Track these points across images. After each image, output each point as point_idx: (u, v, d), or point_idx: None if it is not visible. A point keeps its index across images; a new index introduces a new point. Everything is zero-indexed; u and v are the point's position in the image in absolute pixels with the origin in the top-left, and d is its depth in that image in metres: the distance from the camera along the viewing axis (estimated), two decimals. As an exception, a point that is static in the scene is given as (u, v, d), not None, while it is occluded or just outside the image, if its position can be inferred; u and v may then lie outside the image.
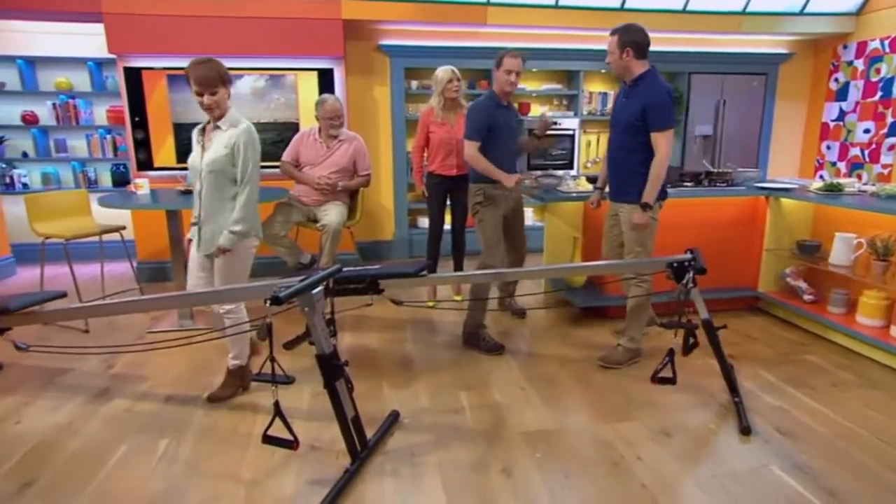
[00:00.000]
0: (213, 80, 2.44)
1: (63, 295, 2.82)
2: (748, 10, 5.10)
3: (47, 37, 4.96)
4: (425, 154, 3.83)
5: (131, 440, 2.29)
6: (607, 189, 3.13)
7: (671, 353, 2.32)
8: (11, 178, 5.17)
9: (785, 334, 3.44)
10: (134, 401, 2.63)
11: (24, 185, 5.22)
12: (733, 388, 2.55)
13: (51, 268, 4.04)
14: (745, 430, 2.31)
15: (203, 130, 2.58)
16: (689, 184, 3.82)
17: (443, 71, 3.60)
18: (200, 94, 2.44)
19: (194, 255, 2.65)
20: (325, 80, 4.65)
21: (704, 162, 5.36)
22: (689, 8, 5.03)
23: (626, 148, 2.87)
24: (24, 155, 5.22)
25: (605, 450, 2.20)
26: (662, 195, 2.89)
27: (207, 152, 2.52)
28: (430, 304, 3.93)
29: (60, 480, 2.03)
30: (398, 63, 4.98)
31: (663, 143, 2.73)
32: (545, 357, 3.11)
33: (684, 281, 2.41)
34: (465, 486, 1.99)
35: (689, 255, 2.45)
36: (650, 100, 2.73)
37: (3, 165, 5.15)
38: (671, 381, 2.33)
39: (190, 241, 2.65)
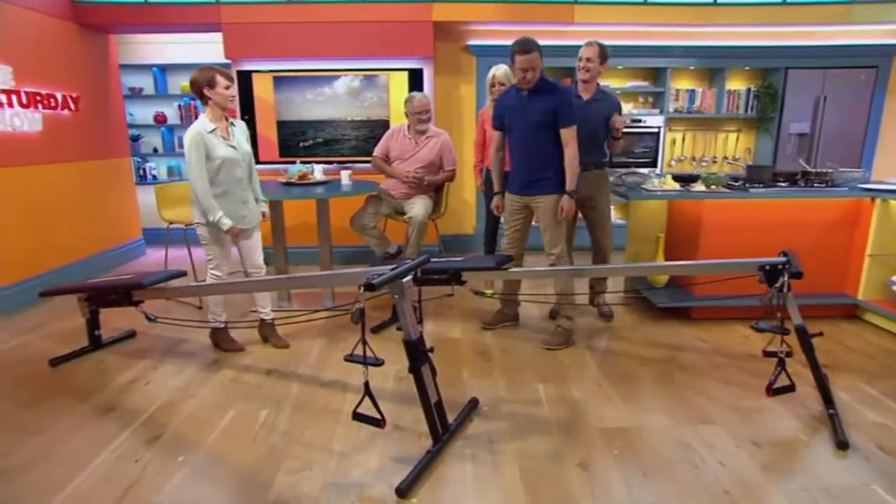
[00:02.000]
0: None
1: (183, 274, 3.17)
2: (858, -2, 4.74)
3: (176, 46, 5.58)
4: None
5: (237, 407, 2.53)
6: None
7: (782, 362, 2.25)
8: (144, 170, 5.91)
9: (889, 346, 3.20)
10: (239, 372, 2.91)
11: (154, 176, 5.95)
12: (828, 399, 2.43)
13: (172, 250, 4.52)
14: (842, 445, 2.17)
15: (214, 131, 2.87)
16: (783, 184, 3.62)
17: (490, 73, 3.67)
18: (228, 88, 2.89)
19: (247, 235, 3.06)
20: (415, 80, 4.84)
21: (801, 161, 5.04)
22: (789, 0, 4.74)
23: (537, 145, 3.06)
24: (155, 150, 5.94)
25: (686, 452, 2.17)
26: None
27: (238, 146, 2.96)
28: (489, 293, 4.04)
29: (180, 436, 2.30)
30: (484, 62, 5.04)
31: (573, 138, 2.99)
32: (624, 355, 3.09)
33: (778, 285, 2.33)
34: (542, 477, 2.02)
35: (782, 258, 2.36)
36: (561, 99, 2.97)
37: (139, 160, 5.87)
38: (790, 388, 2.25)
39: (234, 227, 2.95)
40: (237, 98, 4.82)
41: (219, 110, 2.90)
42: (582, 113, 3.23)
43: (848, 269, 3.55)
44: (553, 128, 2.99)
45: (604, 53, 3.25)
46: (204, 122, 2.86)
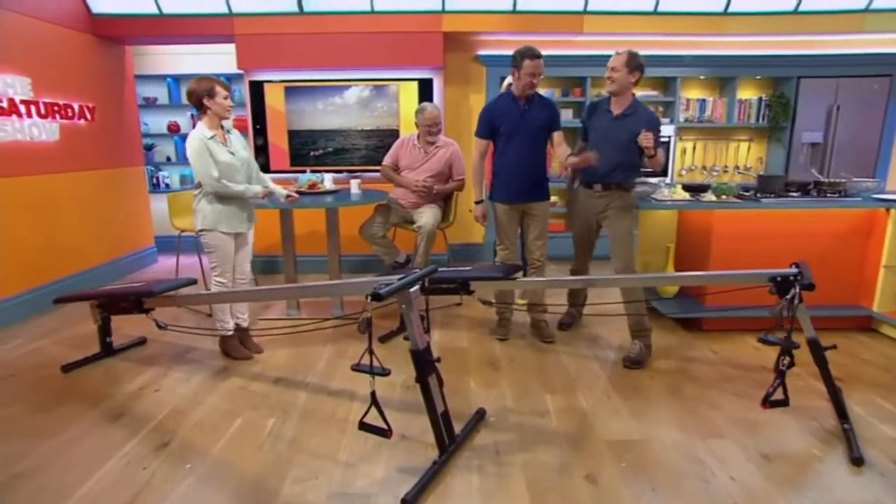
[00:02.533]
0: None
1: (194, 282, 3.20)
2: (872, 6, 4.69)
3: (189, 57, 5.66)
4: None
5: (244, 415, 2.54)
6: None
7: (781, 374, 2.22)
8: (158, 179, 5.99)
9: (907, 360, 3.14)
10: (248, 380, 2.92)
11: (167, 185, 6.02)
12: (842, 413, 2.38)
13: (183, 258, 4.57)
14: (857, 461, 2.13)
15: (213, 138, 2.95)
16: (795, 194, 3.58)
17: (505, 82, 3.66)
18: (227, 98, 2.96)
19: (239, 242, 3.15)
20: (425, 90, 4.87)
21: (813, 171, 5.00)
22: (801, 8, 4.72)
23: (538, 152, 3.28)
24: (168, 159, 6.02)
25: (696, 466, 2.14)
26: None
27: (236, 152, 3.04)
28: (522, 302, 3.98)
29: (188, 443, 2.31)
30: (494, 72, 5.08)
31: (563, 139, 3.27)
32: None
33: (789, 296, 2.29)
34: (549, 489, 2.00)
35: (794, 270, 2.33)
36: (554, 107, 3.29)
37: (152, 168, 5.96)
38: (784, 402, 2.22)
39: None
40: (243, 107, 4.89)
41: (216, 119, 2.98)
42: (604, 131, 3.07)
43: (862, 280, 3.50)
44: (547, 135, 3.27)
45: (633, 62, 2.94)
46: (202, 129, 2.93)
